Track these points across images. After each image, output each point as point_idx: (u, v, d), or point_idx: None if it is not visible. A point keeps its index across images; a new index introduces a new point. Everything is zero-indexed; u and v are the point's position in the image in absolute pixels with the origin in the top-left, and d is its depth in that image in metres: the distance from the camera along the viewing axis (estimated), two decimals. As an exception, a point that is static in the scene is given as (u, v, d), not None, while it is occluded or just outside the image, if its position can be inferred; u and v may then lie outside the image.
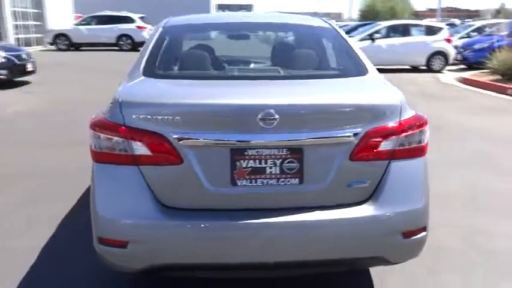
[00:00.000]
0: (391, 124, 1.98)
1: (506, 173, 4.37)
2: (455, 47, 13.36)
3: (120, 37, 20.35)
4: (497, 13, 55.24)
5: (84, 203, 2.94)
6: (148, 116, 1.89)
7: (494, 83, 10.06)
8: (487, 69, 11.09)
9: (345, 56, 2.60)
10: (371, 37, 12.72)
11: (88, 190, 2.09)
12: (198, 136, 1.87)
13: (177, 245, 1.92)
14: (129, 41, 20.34)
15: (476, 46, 13.10)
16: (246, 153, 1.91)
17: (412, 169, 2.05)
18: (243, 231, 1.90)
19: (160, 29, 2.78)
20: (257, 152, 1.91)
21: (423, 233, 2.05)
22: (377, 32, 12.81)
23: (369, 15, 37.00)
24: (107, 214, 1.95)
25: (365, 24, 16.92)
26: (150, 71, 2.32)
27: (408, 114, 2.05)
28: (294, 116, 1.90)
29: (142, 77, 2.25)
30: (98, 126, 1.97)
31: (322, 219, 1.93)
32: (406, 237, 2.01)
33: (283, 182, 1.94)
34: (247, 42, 3.05)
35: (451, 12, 71.19)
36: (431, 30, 13.09)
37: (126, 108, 1.92)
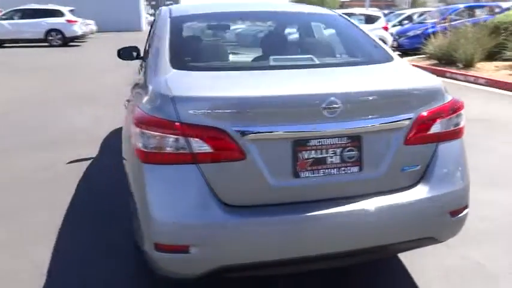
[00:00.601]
0: (438, 107, 2.05)
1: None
2: (391, 34, 14.06)
3: (49, 32, 19.00)
4: (413, 2, 59.15)
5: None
6: (208, 111, 1.79)
7: (433, 67, 10.74)
8: (423, 54, 11.80)
9: (365, 43, 2.63)
10: None
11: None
12: (262, 129, 1.81)
13: (242, 244, 1.84)
14: (59, 36, 19.06)
15: (410, 33, 13.87)
16: (308, 144, 1.87)
17: (455, 150, 2.14)
18: (309, 224, 1.87)
19: (169, 20, 2.63)
20: (319, 142, 1.88)
21: (466, 211, 2.15)
22: None
23: (300, 6, 37.59)
24: (165, 218, 1.82)
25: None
26: (181, 64, 2.19)
27: (448, 97, 2.13)
28: (354, 104, 1.89)
29: (175, 70, 2.12)
30: (148, 124, 1.83)
31: (381, 206, 1.95)
32: (453, 216, 2.09)
33: (343, 171, 1.93)
34: (263, 32, 2.98)
35: (371, 2, 74.76)
36: (370, 19, 13.65)
37: (181, 103, 1.80)
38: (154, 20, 3.67)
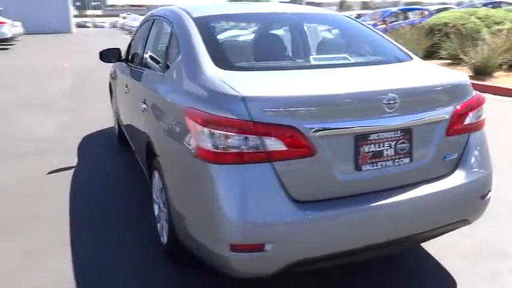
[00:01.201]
0: (469, 100, 2.24)
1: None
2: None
3: (-26, 35, 17.54)
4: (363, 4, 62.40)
5: None
6: (280, 109, 1.83)
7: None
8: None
9: (382, 43, 2.79)
10: None
11: None
12: (330, 125, 1.88)
13: (314, 239, 1.90)
14: (-14, 39, 17.65)
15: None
16: (368, 138, 1.98)
17: (481, 140, 2.35)
18: (373, 214, 1.97)
19: (191, 20, 2.61)
20: (377, 136, 1.99)
21: (490, 194, 2.37)
22: None
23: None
24: (240, 218, 1.83)
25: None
26: (227, 64, 2.20)
27: (473, 92, 2.34)
28: (408, 99, 2.02)
29: (224, 70, 2.13)
30: (219, 124, 1.83)
31: (430, 192, 2.10)
32: (482, 198, 2.30)
33: (397, 162, 2.06)
34: (287, 33, 3.02)
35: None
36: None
37: (253, 103, 1.82)
38: (148, 22, 3.58)
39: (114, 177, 4.07)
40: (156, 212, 2.83)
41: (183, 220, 2.15)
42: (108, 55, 4.15)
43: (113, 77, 4.71)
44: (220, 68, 2.16)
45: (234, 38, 2.93)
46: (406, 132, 2.05)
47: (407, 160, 2.08)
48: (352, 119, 1.92)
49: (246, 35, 2.92)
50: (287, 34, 3.07)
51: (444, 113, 2.13)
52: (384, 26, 14.34)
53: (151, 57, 3.15)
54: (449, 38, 11.10)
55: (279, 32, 3.06)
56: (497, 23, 12.21)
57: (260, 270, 1.91)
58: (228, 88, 1.91)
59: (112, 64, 4.93)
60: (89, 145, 5.08)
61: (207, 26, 2.57)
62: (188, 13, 2.75)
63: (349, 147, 1.95)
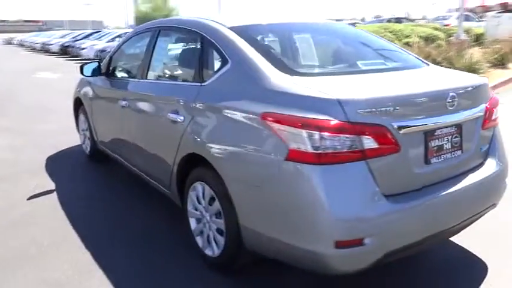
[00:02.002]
0: (492, 99, 2.57)
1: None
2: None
3: None
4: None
5: None
6: (372, 110, 1.95)
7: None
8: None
9: (399, 50, 3.04)
10: (113, 40, 14.31)
11: None
12: (410, 123, 2.04)
13: (405, 228, 2.04)
14: None
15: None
16: (434, 134, 2.18)
17: (499, 133, 2.69)
18: (445, 202, 2.17)
19: (229, 30, 2.63)
20: (440, 131, 2.20)
21: (507, 179, 2.72)
22: (116, 37, 15.54)
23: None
24: (344, 215, 1.90)
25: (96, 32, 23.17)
26: (289, 70, 2.28)
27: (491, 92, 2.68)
28: (462, 98, 2.26)
29: (291, 76, 2.21)
30: (317, 126, 1.89)
31: (475, 180, 2.36)
32: (505, 184, 2.64)
33: (453, 154, 2.29)
34: (321, 41, 3.08)
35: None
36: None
37: (348, 105, 1.92)
38: (147, 33, 3.48)
39: (104, 196, 3.82)
40: (194, 225, 2.75)
41: (261, 226, 2.15)
42: (91, 69, 3.97)
43: (89, 95, 4.41)
44: (284, 73, 2.23)
45: (278, 46, 2.96)
46: (458, 127, 2.29)
47: (459, 152, 2.32)
48: (424, 117, 2.11)
49: (283, 42, 2.98)
50: (318, 41, 3.17)
51: (481, 109, 2.41)
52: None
53: (173, 68, 3.06)
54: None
55: (316, 39, 3.15)
56: (406, 36, 13.65)
57: (359, 264, 1.99)
58: (320, 92, 1.99)
59: (79, 82, 4.71)
60: (57, 165, 4.69)
61: (247, 34, 2.60)
62: (220, 23, 2.76)
63: (421, 142, 2.13)
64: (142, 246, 2.92)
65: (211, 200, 2.52)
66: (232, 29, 2.65)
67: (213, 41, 2.65)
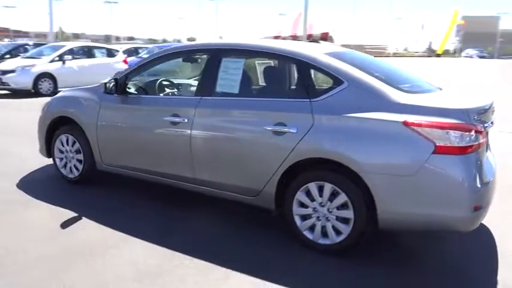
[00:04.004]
0: None
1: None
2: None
3: None
4: (57, 36, 59.46)
5: None
6: (476, 116, 2.86)
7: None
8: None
9: (414, 74, 3.99)
10: (61, 58, 12.22)
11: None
12: (486, 125, 3.00)
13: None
14: None
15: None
16: (487, 133, 3.21)
17: None
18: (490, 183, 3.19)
19: (327, 56, 3.25)
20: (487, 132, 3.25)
21: None
22: (66, 53, 12.40)
23: None
24: (476, 188, 2.77)
25: (39, 44, 15.85)
26: (398, 88, 3.05)
27: None
28: (490, 112, 3.31)
29: (405, 93, 2.99)
30: (457, 128, 2.71)
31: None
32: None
33: (488, 148, 3.37)
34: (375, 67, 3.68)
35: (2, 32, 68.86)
36: (110, 53, 13.94)
37: (469, 112, 2.82)
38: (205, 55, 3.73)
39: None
40: (299, 222, 3.18)
41: (405, 206, 2.82)
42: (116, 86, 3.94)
43: (93, 113, 4.18)
44: (397, 90, 2.99)
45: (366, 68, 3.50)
46: (486, 134, 3.33)
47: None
48: (487, 122, 3.09)
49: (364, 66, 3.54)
50: (374, 66, 3.82)
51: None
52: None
53: (264, 87, 3.38)
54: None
55: (372, 64, 3.79)
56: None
57: (477, 223, 2.85)
58: (452, 104, 2.90)
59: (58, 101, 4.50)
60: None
61: (343, 59, 3.24)
62: (313, 50, 3.34)
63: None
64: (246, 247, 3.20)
65: (332, 195, 3.04)
66: (331, 54, 3.25)
67: (316, 65, 3.19)
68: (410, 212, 2.84)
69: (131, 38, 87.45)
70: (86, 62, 12.90)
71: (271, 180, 3.26)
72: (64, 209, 3.83)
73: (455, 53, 70.98)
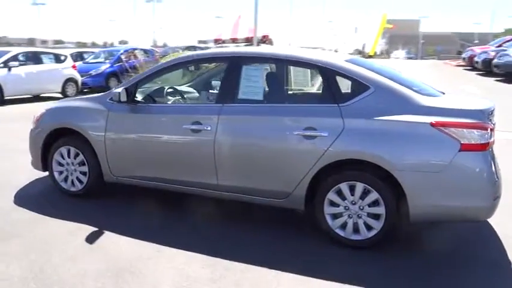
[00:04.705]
0: None
1: None
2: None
3: None
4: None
5: None
6: (488, 116, 3.20)
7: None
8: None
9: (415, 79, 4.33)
10: (6, 65, 11.42)
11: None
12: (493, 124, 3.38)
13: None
14: None
15: (93, 72, 14.57)
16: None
17: None
18: None
19: (350, 63, 3.49)
20: (488, 128, 3.64)
21: None
22: (11, 59, 11.56)
23: None
24: (497, 180, 3.11)
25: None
26: (419, 93, 3.34)
27: None
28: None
29: (427, 97, 3.29)
30: (479, 127, 3.04)
31: None
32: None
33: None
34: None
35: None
36: (59, 58, 13.23)
37: (484, 113, 3.16)
38: (224, 64, 3.82)
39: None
40: (331, 221, 3.37)
41: (435, 199, 3.09)
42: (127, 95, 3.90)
43: (100, 124, 4.09)
44: (419, 94, 3.27)
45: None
46: None
47: None
48: (493, 122, 3.46)
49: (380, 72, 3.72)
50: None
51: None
52: (119, 64, 15.07)
53: (290, 94, 3.50)
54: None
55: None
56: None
57: (495, 211, 3.19)
58: (470, 106, 3.19)
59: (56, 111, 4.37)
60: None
61: (362, 65, 3.48)
62: (336, 58, 3.58)
63: None
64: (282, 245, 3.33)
65: (363, 194, 3.26)
66: (350, 61, 3.47)
67: (343, 72, 3.40)
68: (438, 205, 3.13)
69: (59, 42, 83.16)
70: (33, 68, 12.16)
71: (302, 183, 3.41)
72: (78, 223, 3.71)
73: (382, 54, 75.38)
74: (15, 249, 3.27)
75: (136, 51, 16.83)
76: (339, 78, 3.46)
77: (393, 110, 3.22)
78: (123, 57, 15.06)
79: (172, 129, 3.83)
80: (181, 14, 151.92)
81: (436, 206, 3.14)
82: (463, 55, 24.87)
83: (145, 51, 17.06)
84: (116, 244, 3.38)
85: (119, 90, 3.92)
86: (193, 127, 3.69)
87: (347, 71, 3.43)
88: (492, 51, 21.82)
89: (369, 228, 3.30)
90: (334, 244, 3.37)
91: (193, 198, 4.00)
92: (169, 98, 4.43)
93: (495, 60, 17.92)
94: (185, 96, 4.64)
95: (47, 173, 4.53)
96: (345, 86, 3.46)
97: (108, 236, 3.51)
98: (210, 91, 4.45)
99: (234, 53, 3.98)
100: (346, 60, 3.59)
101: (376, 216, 3.27)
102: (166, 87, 4.52)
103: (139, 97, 4.11)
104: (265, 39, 30.26)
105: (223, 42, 32.42)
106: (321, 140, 3.31)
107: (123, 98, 3.92)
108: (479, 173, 3.07)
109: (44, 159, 4.44)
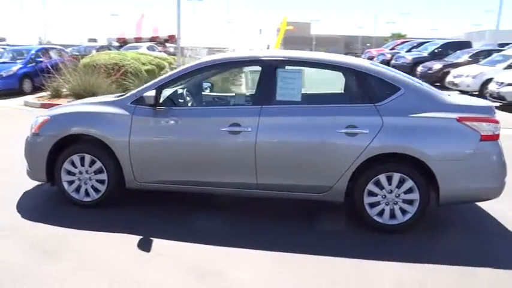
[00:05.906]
0: None
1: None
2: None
3: None
4: None
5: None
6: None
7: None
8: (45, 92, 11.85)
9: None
10: None
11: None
12: (490, 117, 4.04)
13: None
14: None
15: (3, 73, 13.11)
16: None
17: None
18: None
19: (374, 65, 3.87)
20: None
21: None
22: None
23: None
24: (505, 164, 3.70)
25: None
26: (440, 91, 3.84)
27: None
28: None
29: (446, 95, 3.81)
30: (493, 121, 3.62)
31: None
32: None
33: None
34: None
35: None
36: None
37: (492, 108, 3.75)
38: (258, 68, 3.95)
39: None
40: (370, 210, 3.72)
41: (460, 183, 3.61)
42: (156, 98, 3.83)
43: (124, 130, 3.93)
44: (442, 93, 3.79)
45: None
46: None
47: None
48: None
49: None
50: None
51: None
52: (33, 64, 13.89)
53: (327, 95, 3.72)
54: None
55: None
56: (143, 64, 14.93)
57: (503, 189, 3.81)
58: (483, 103, 3.77)
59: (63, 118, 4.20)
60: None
61: (387, 69, 3.89)
62: (365, 62, 3.92)
63: None
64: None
65: (399, 183, 3.67)
66: (373, 64, 3.85)
67: (374, 74, 3.76)
68: (463, 188, 3.66)
69: None
70: None
71: (343, 176, 3.71)
72: (108, 233, 3.56)
73: (279, 54, 78.68)
74: (72, 267, 3.05)
75: (50, 50, 15.66)
76: (371, 80, 3.82)
77: (423, 108, 3.68)
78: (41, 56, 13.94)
79: (207, 132, 3.84)
80: (72, 10, 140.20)
81: (461, 189, 3.67)
82: (362, 56, 27.34)
83: (58, 50, 15.91)
84: (170, 249, 3.33)
85: (149, 94, 3.81)
86: (232, 129, 3.76)
87: (378, 74, 3.81)
88: (387, 53, 24.61)
89: (403, 212, 3.72)
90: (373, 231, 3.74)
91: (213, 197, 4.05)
92: (198, 100, 4.37)
93: (393, 61, 20.33)
94: (215, 98, 4.63)
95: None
96: (376, 87, 3.84)
97: (159, 243, 3.43)
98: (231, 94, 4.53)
99: (271, 56, 4.08)
100: (371, 63, 3.98)
101: (410, 202, 3.70)
102: (193, 90, 4.48)
103: (166, 100, 4.03)
104: (171, 39, 29.71)
105: (125, 41, 31.23)
106: (362, 137, 3.64)
107: (153, 101, 3.82)
108: (495, 159, 3.67)
109: (48, 168, 4.10)
